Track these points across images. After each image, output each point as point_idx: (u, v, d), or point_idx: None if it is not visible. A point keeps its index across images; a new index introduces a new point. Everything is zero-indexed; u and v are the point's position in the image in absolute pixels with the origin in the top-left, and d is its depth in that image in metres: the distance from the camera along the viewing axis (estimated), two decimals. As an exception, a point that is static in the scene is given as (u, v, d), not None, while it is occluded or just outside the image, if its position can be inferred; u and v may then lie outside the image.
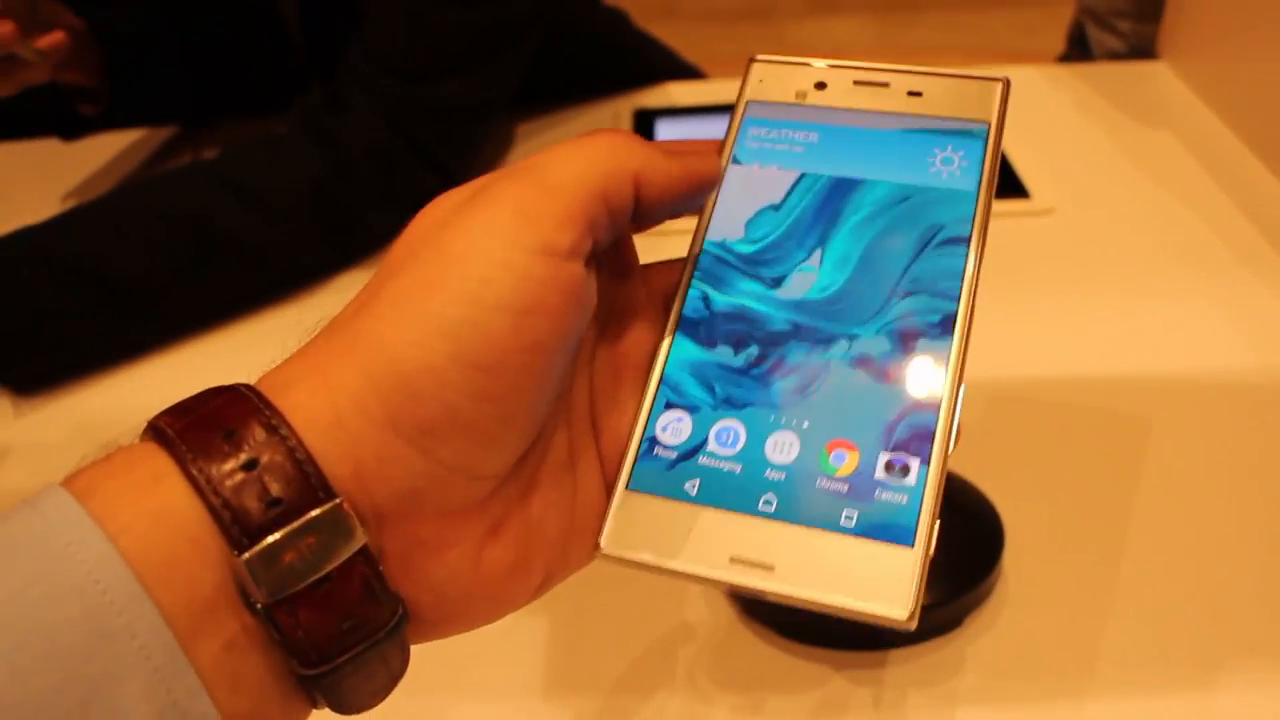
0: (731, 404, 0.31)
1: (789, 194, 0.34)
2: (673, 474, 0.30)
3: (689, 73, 1.14)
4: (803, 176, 0.34)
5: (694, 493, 0.30)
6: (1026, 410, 0.62)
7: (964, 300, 0.31)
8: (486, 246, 0.27)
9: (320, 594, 0.25)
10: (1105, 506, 0.56)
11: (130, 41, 0.92)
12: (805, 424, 0.30)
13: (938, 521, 0.28)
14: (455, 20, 0.81)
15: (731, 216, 0.34)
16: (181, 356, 0.75)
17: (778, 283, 0.33)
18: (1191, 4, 0.96)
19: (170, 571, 0.24)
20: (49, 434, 0.69)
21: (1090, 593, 0.51)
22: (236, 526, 0.25)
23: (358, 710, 0.28)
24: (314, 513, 0.25)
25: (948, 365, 0.30)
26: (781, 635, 0.51)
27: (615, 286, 0.34)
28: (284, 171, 0.79)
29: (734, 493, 0.30)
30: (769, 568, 0.28)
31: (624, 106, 1.00)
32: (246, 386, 0.27)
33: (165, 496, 0.25)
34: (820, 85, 0.35)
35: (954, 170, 0.33)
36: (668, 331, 0.33)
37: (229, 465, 0.25)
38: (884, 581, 0.28)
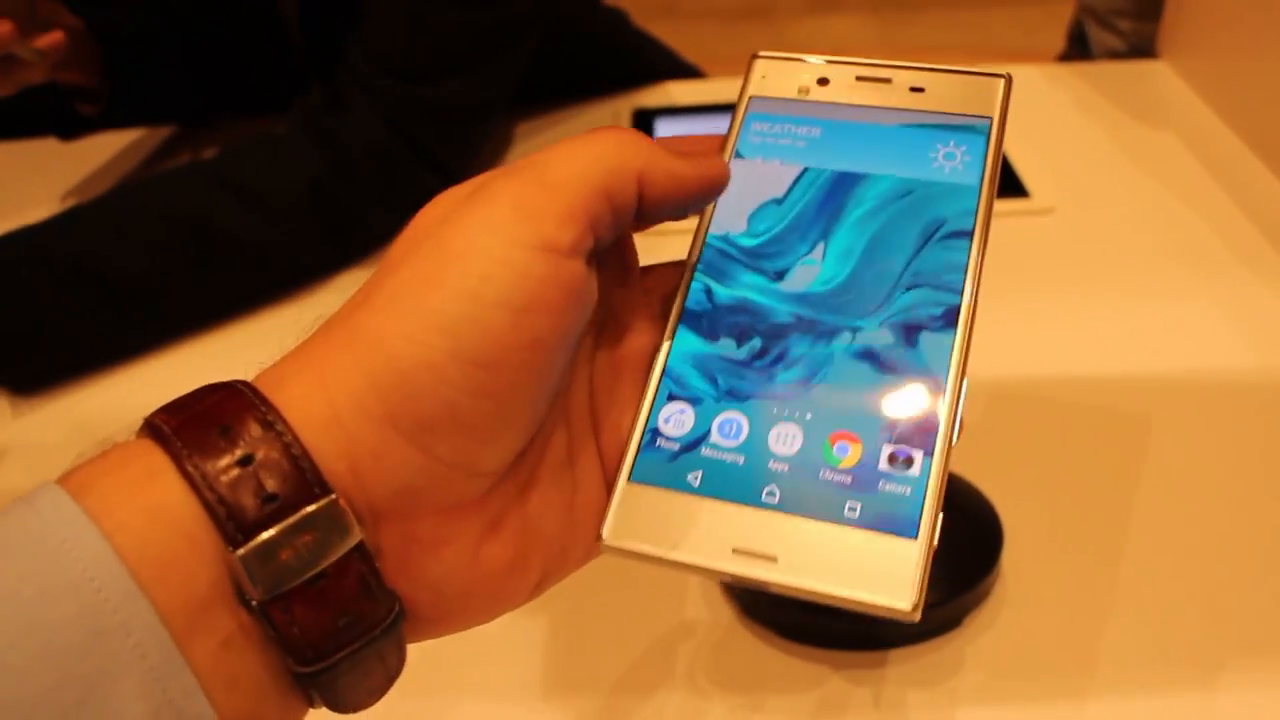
0: (734, 396, 0.31)
1: (792, 188, 0.34)
2: (675, 465, 0.30)
3: (688, 72, 1.14)
4: (805, 171, 0.34)
5: (696, 484, 0.30)
6: (1026, 410, 0.62)
7: (967, 293, 0.31)
8: (486, 243, 0.27)
9: (316, 591, 0.25)
10: (1104, 506, 0.56)
11: (129, 41, 0.92)
12: (808, 416, 0.30)
13: (941, 514, 0.28)
14: (455, 20, 0.81)
15: (734, 210, 0.34)
16: (180, 356, 0.75)
17: (780, 276, 0.33)
18: (1191, 3, 0.96)
19: (166, 569, 0.24)
20: (47, 434, 0.69)
21: (1089, 592, 0.51)
22: (232, 523, 0.24)
23: (355, 709, 0.28)
24: (310, 509, 0.25)
25: (951, 358, 0.30)
26: (781, 635, 0.51)
27: (615, 286, 0.34)
28: (284, 171, 0.79)
29: (737, 484, 0.30)
30: (772, 559, 0.28)
31: (623, 106, 1.00)
32: (243, 383, 0.27)
33: (160, 493, 0.25)
34: (823, 81, 0.36)
35: (956, 165, 0.33)
36: (670, 324, 0.33)
37: (224, 461, 0.25)
38: (887, 573, 0.28)
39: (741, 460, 0.30)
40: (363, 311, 0.28)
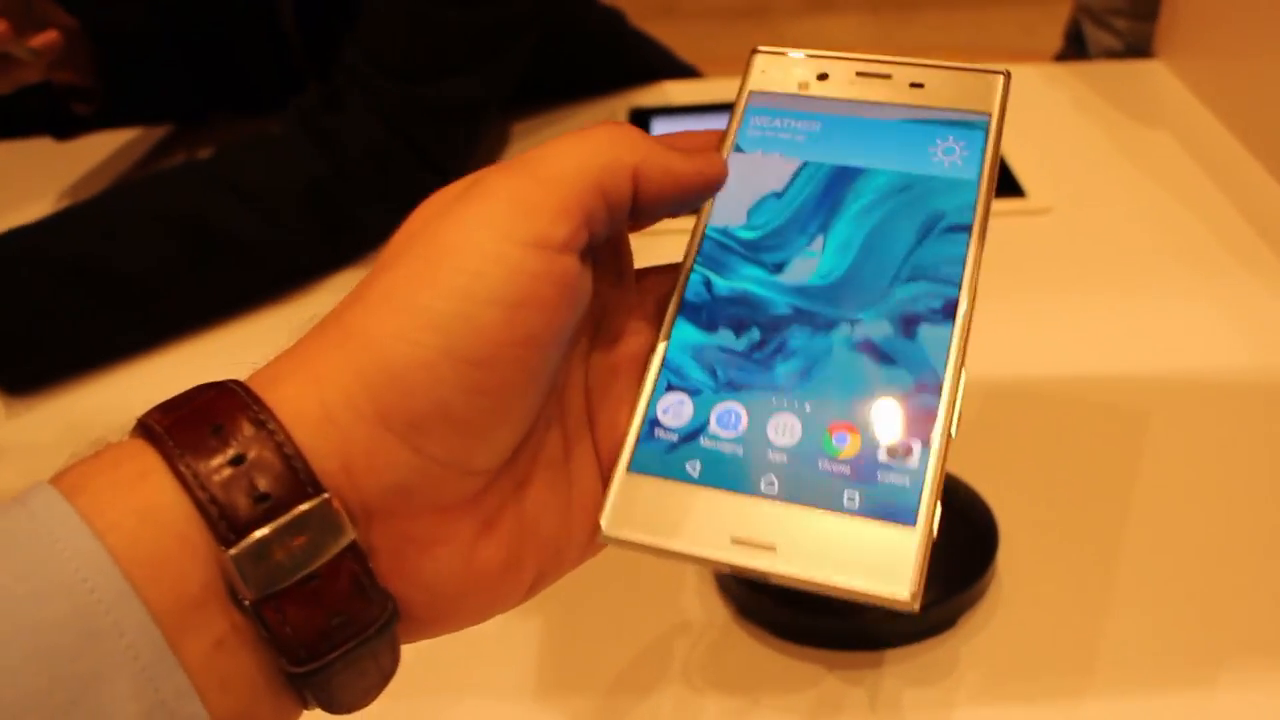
0: (733, 387, 0.31)
1: (791, 181, 0.34)
2: (674, 455, 0.30)
3: (685, 71, 1.14)
4: (805, 165, 0.34)
5: (695, 474, 0.30)
6: (1022, 410, 0.62)
7: (966, 286, 0.31)
8: (479, 239, 0.27)
9: (308, 590, 0.25)
10: (1099, 506, 0.56)
11: (124, 40, 0.91)
12: (807, 407, 0.30)
13: (939, 505, 0.28)
14: (455, 20, 0.81)
15: (734, 203, 0.34)
16: (177, 356, 0.75)
17: (780, 268, 0.33)
18: (1187, 3, 0.96)
19: (158, 569, 0.24)
20: (42, 434, 0.69)
21: (1085, 592, 0.51)
22: (224, 522, 0.24)
23: (349, 710, 0.28)
24: (302, 508, 0.25)
25: (950, 349, 0.30)
26: (777, 635, 0.51)
27: (611, 286, 0.34)
28: (281, 171, 0.79)
29: (736, 474, 0.30)
30: (770, 548, 0.28)
31: (620, 105, 1.00)
32: (236, 382, 0.27)
33: (153, 493, 0.25)
34: (822, 76, 0.36)
35: (956, 160, 0.33)
36: (669, 315, 0.33)
37: (216, 461, 0.25)
38: (886, 562, 0.28)
39: (740, 450, 0.30)
40: (355, 310, 0.28)
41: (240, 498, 0.25)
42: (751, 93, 0.36)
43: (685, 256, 0.34)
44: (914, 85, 0.35)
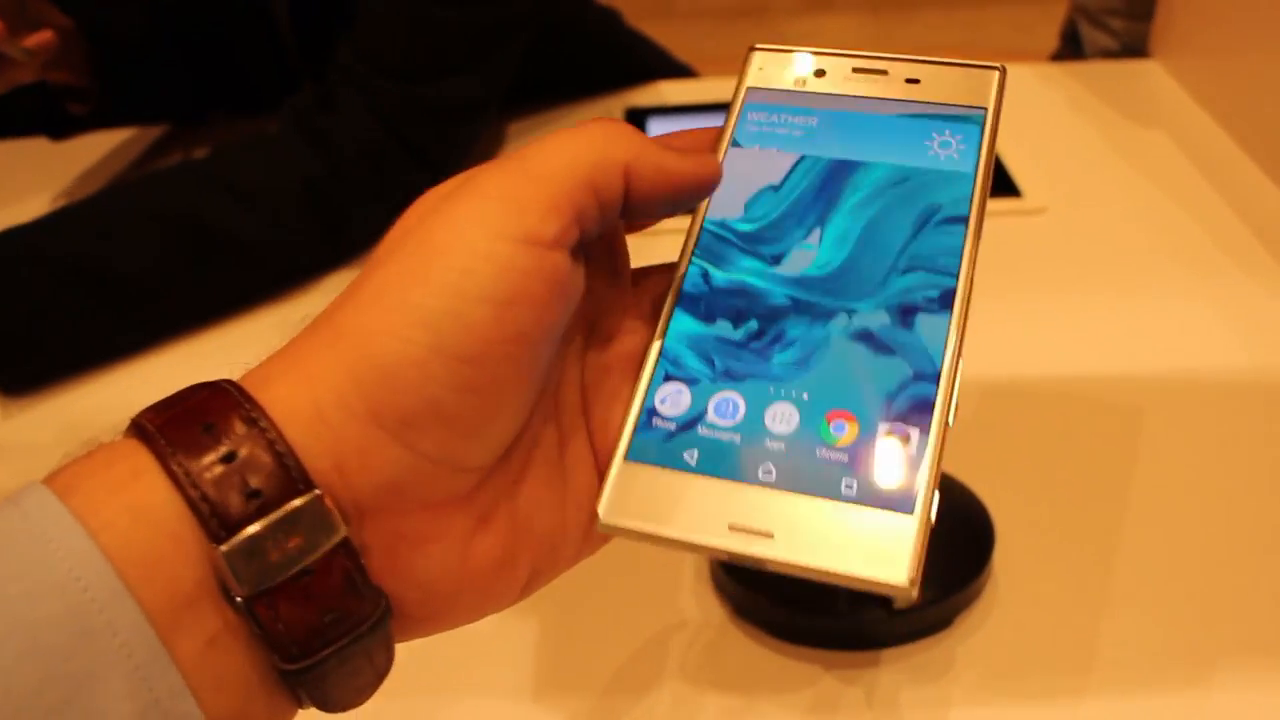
0: (731, 376, 0.31)
1: (789, 175, 0.34)
2: (671, 444, 0.30)
3: (681, 71, 1.14)
4: (802, 158, 0.35)
5: (693, 462, 0.30)
6: (1017, 409, 0.62)
7: (963, 276, 0.31)
8: (470, 236, 0.27)
9: (300, 587, 0.25)
10: (1095, 505, 0.56)
11: (120, 40, 0.91)
12: (805, 395, 0.30)
13: (937, 493, 0.28)
14: (454, 20, 0.81)
15: (731, 197, 0.34)
16: (173, 356, 0.75)
17: (777, 260, 0.33)
18: (1183, 2, 0.96)
19: (151, 568, 0.24)
20: (40, 434, 0.69)
21: (1081, 592, 0.51)
22: (215, 519, 0.24)
23: (343, 708, 0.27)
24: (294, 505, 0.25)
25: (947, 338, 0.30)
26: (773, 635, 0.51)
27: (607, 286, 0.34)
28: (277, 171, 0.79)
29: (733, 462, 0.30)
30: (768, 535, 0.28)
31: (616, 105, 1.00)
32: (228, 382, 0.27)
33: (145, 492, 0.25)
34: (819, 73, 0.36)
35: (952, 153, 0.34)
36: (667, 306, 0.33)
37: (208, 459, 0.25)
38: (884, 549, 0.28)
39: (738, 439, 0.30)
40: (347, 309, 0.28)
41: (232, 495, 0.25)
42: (749, 89, 0.36)
43: (683, 249, 0.34)
44: (910, 81, 0.35)
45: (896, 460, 0.29)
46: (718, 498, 0.29)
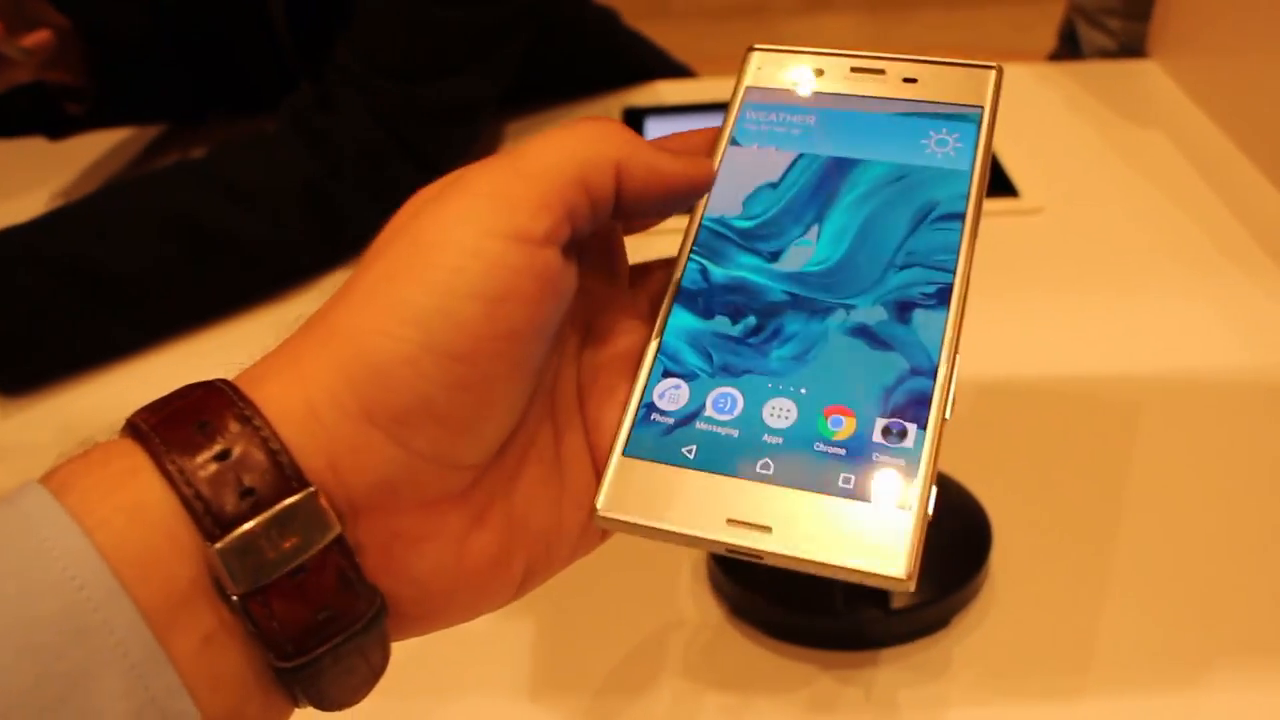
0: (729, 371, 0.31)
1: (786, 173, 0.35)
2: (670, 439, 0.31)
3: (679, 71, 1.14)
4: (800, 156, 0.35)
5: (691, 457, 0.30)
6: (1014, 409, 0.62)
7: (960, 273, 0.32)
8: (459, 234, 0.27)
9: (294, 585, 0.25)
10: (1092, 505, 0.56)
11: (117, 40, 0.91)
12: (802, 390, 0.31)
13: (934, 487, 0.29)
14: (454, 20, 0.81)
15: (730, 194, 0.34)
16: (171, 356, 0.74)
17: (775, 256, 0.33)
18: (1180, 2, 0.96)
19: (146, 567, 0.24)
20: (37, 434, 0.69)
21: (1078, 591, 0.51)
22: (209, 517, 0.24)
23: (340, 706, 0.28)
24: (287, 502, 0.25)
25: (944, 334, 0.31)
26: (770, 635, 0.51)
27: (604, 285, 0.34)
28: (275, 171, 0.79)
29: (731, 457, 0.30)
30: (766, 529, 0.28)
31: (614, 105, 1.00)
32: (223, 381, 0.27)
33: (141, 491, 0.25)
34: (818, 73, 0.36)
35: (949, 151, 0.34)
36: (665, 302, 0.33)
37: (202, 457, 0.25)
38: (882, 542, 0.28)
39: (736, 434, 0.30)
40: (339, 308, 0.28)
41: (226, 493, 0.25)
42: (747, 89, 0.36)
43: (681, 246, 0.34)
44: (907, 80, 0.35)
45: (894, 454, 0.29)
46: (716, 492, 0.29)
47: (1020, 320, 0.69)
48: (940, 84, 0.35)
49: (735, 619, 0.52)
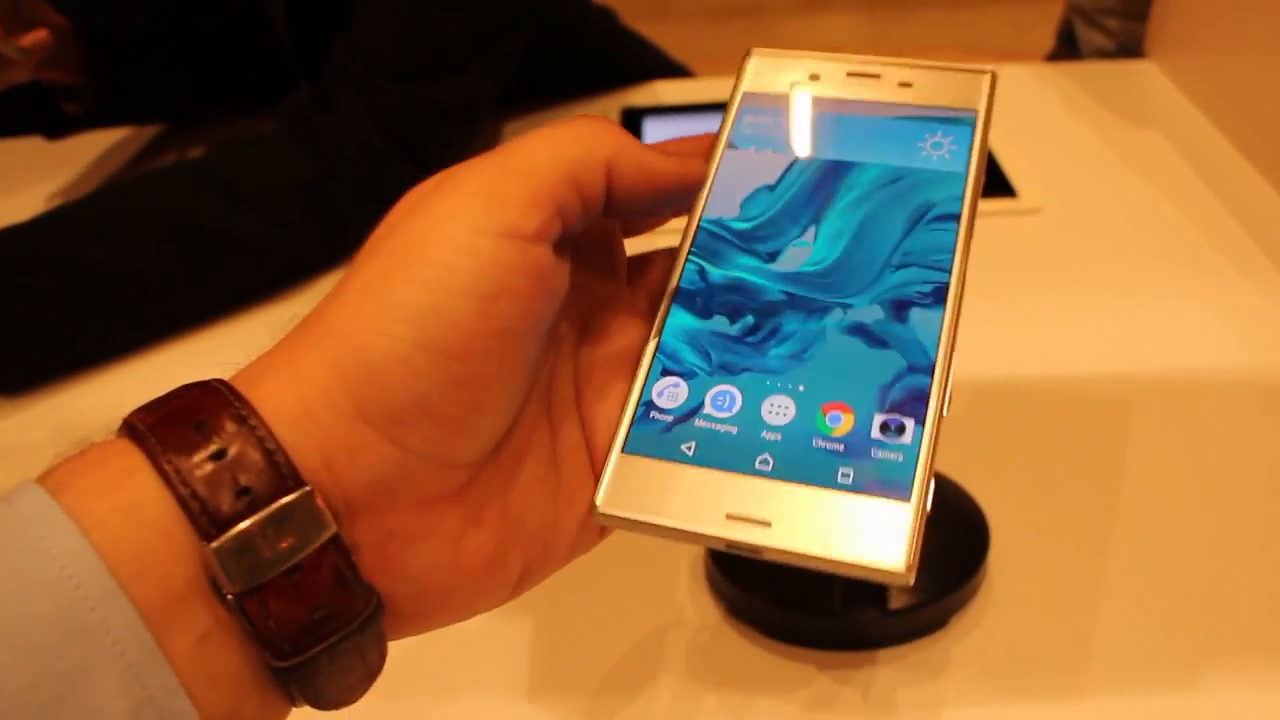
0: (727, 370, 0.31)
1: (784, 175, 0.35)
2: (669, 436, 0.31)
3: (677, 71, 1.14)
4: (797, 159, 0.35)
5: (690, 454, 0.30)
6: (1012, 409, 0.62)
7: (955, 272, 0.32)
8: (450, 231, 0.27)
9: (290, 584, 0.25)
10: (1090, 505, 0.56)
11: (115, 39, 0.91)
12: (801, 388, 0.31)
13: (933, 481, 0.29)
14: (453, 20, 0.81)
15: (727, 197, 0.35)
16: (170, 356, 0.74)
17: (773, 257, 0.33)
18: (1178, 3, 0.96)
19: (143, 566, 0.24)
20: (36, 435, 0.69)
21: (1076, 592, 0.51)
22: (205, 516, 0.24)
23: (337, 705, 0.28)
24: (283, 501, 0.25)
25: (941, 331, 0.31)
26: (767, 635, 0.51)
27: (602, 282, 0.34)
28: (274, 171, 0.79)
29: (730, 453, 0.30)
30: (765, 524, 0.29)
31: (612, 105, 1.00)
32: (219, 381, 0.27)
33: (137, 490, 0.25)
34: (814, 77, 0.37)
35: (944, 154, 0.34)
36: (664, 302, 0.33)
37: (198, 456, 0.25)
38: (881, 535, 0.28)
39: (735, 430, 0.30)
40: (333, 307, 0.28)
41: (222, 492, 0.25)
42: (744, 93, 0.37)
43: (680, 247, 0.34)
44: (903, 85, 0.36)
45: (892, 449, 0.29)
46: (715, 487, 0.29)
47: (1018, 320, 0.69)
48: (935, 88, 0.36)
49: (733, 619, 0.52)
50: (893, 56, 0.37)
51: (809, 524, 0.28)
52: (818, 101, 0.36)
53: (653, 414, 0.31)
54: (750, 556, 0.29)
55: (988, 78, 0.35)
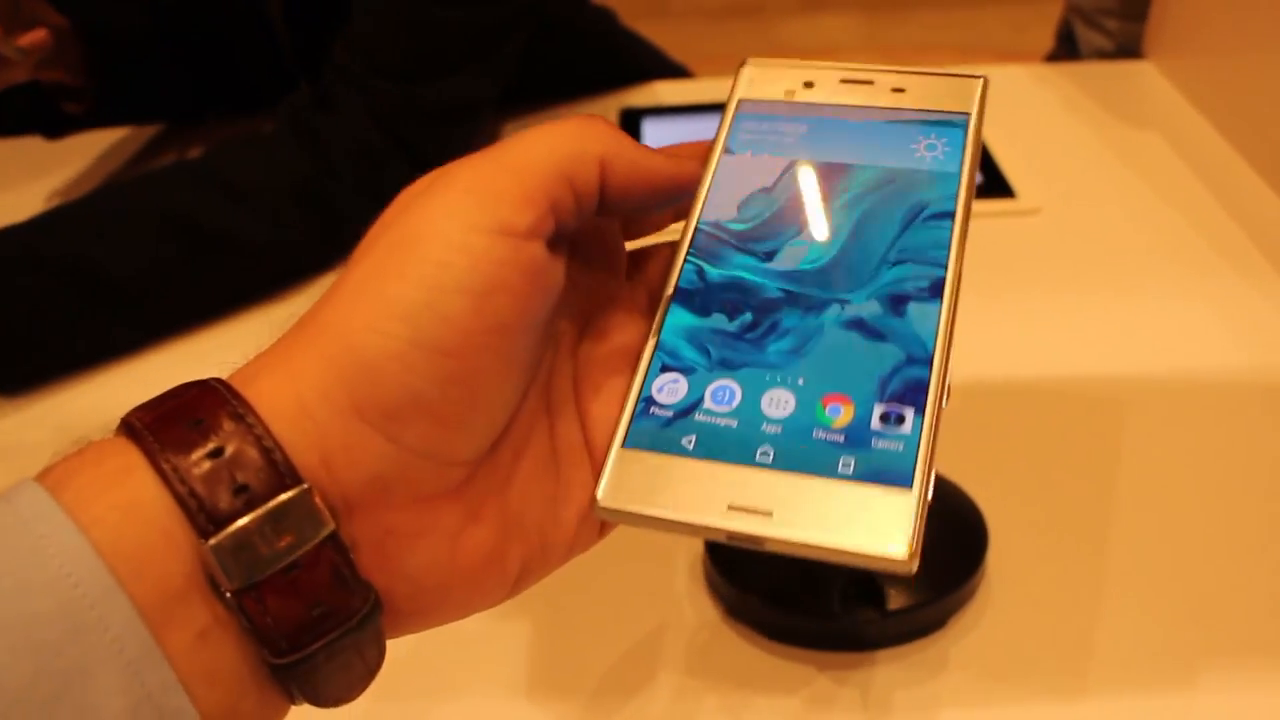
0: (727, 365, 0.32)
1: (780, 178, 0.35)
2: (669, 430, 0.31)
3: (676, 72, 1.14)
4: (793, 162, 0.36)
5: (691, 447, 0.30)
6: (1010, 409, 0.63)
7: (952, 267, 0.32)
8: (444, 228, 0.27)
9: (288, 581, 0.25)
10: (1088, 505, 0.56)
11: (115, 39, 0.91)
12: (800, 381, 0.31)
13: (933, 471, 0.29)
14: (453, 20, 0.81)
15: (725, 200, 0.35)
16: (169, 356, 0.74)
17: (770, 256, 0.34)
18: (1177, 3, 0.96)
19: (142, 564, 0.24)
20: (35, 435, 0.69)
21: (1075, 592, 0.51)
22: (203, 514, 0.25)
23: (335, 703, 0.28)
24: (281, 499, 0.25)
25: (938, 324, 0.31)
26: (766, 636, 0.51)
27: (601, 280, 0.34)
28: (274, 171, 0.79)
29: (731, 446, 0.30)
30: (767, 514, 0.29)
31: (611, 105, 1.00)
32: (216, 380, 0.27)
33: (135, 489, 0.25)
34: (808, 84, 0.37)
35: (937, 155, 0.35)
36: (663, 302, 0.33)
37: (196, 455, 0.25)
38: (883, 524, 0.28)
39: (735, 424, 0.31)
40: (328, 306, 0.28)
41: (220, 490, 0.25)
42: (740, 101, 0.37)
43: (678, 249, 0.35)
44: (895, 90, 0.37)
45: (892, 439, 0.29)
46: (716, 479, 0.30)
47: (1017, 321, 0.69)
48: (928, 93, 0.36)
49: (731, 619, 0.52)
50: (886, 64, 0.37)
51: (810, 514, 0.28)
52: (812, 107, 0.37)
53: (653, 409, 0.31)
54: (752, 548, 0.29)
55: (980, 83, 0.36)
